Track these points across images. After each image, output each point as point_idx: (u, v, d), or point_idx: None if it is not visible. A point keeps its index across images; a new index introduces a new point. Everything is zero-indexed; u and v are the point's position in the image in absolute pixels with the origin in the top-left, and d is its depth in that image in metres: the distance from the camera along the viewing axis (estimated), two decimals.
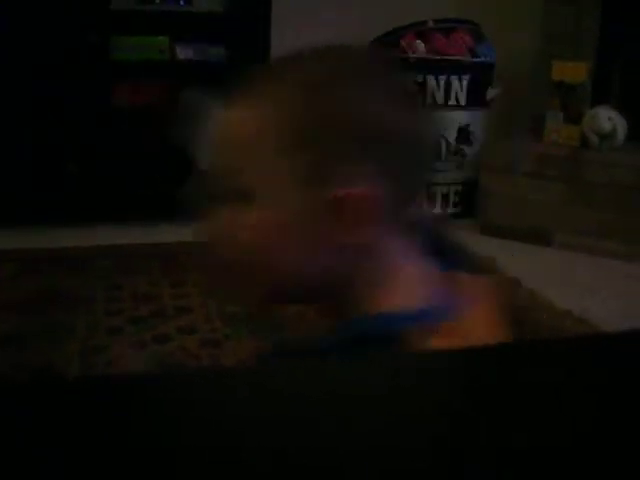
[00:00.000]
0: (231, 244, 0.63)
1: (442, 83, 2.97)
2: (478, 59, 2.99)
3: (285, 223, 0.61)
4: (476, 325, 0.63)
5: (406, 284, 0.64)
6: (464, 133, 3.04)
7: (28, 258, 2.37)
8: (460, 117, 3.02)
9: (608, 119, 2.79)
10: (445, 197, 3.08)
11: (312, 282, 0.63)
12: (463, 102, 3.00)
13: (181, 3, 2.70)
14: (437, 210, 3.07)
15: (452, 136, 3.02)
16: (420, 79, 2.96)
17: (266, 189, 0.61)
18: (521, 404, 0.32)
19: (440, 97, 2.98)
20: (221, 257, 0.64)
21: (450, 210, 3.09)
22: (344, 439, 0.29)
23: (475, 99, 3.01)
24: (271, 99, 0.62)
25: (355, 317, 0.62)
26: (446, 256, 0.69)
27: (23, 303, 2.05)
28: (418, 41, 3.00)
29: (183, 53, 2.63)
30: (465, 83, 2.98)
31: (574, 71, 2.90)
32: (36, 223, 2.62)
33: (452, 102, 2.99)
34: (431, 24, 3.07)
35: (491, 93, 3.06)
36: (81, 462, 0.27)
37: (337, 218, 0.60)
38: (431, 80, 2.96)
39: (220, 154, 0.64)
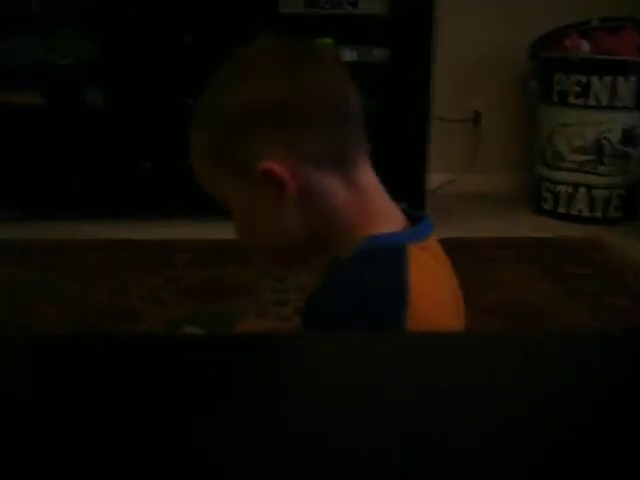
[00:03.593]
0: (238, 233, 0.80)
1: (607, 83, 2.88)
2: None
3: (248, 209, 0.77)
4: (438, 249, 0.78)
5: (381, 215, 0.76)
6: (629, 135, 2.94)
7: (198, 249, 2.52)
8: (625, 119, 2.92)
9: None
10: (607, 201, 2.98)
11: (304, 239, 0.76)
12: (629, 103, 2.90)
13: (346, 6, 2.77)
14: (597, 214, 2.99)
15: (616, 138, 2.93)
16: (584, 80, 2.89)
17: (222, 191, 0.77)
18: None
19: (605, 98, 2.89)
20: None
21: (611, 214, 3.00)
22: None
23: None
24: (194, 131, 0.78)
25: (360, 244, 0.73)
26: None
27: (196, 290, 2.18)
28: (582, 41, 2.93)
29: (348, 55, 2.69)
30: (632, 83, 2.88)
31: None
32: (202, 216, 2.77)
33: (617, 103, 2.90)
34: (596, 23, 2.99)
35: None
36: None
37: (273, 185, 0.72)
38: (595, 81, 2.88)
39: None
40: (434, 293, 0.75)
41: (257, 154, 0.73)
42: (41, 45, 2.78)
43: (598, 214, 3.00)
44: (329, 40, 2.72)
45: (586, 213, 3.01)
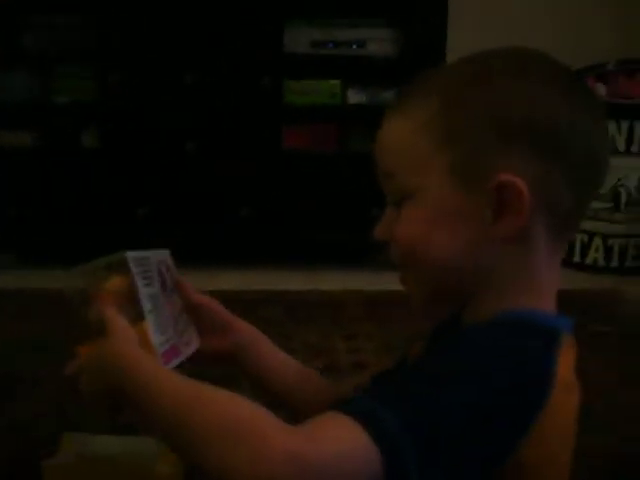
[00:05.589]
0: (396, 242, 0.65)
1: (624, 128, 2.78)
2: None
3: (442, 217, 0.62)
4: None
5: (549, 290, 0.64)
6: None
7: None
8: None
9: None
10: (623, 250, 2.86)
11: (466, 277, 0.63)
12: None
13: (354, 47, 2.67)
14: (614, 263, 2.86)
15: (633, 185, 2.82)
16: None
17: (423, 188, 0.62)
18: None
19: (621, 143, 2.78)
20: (393, 255, 0.66)
21: (629, 264, 2.87)
22: None
23: None
24: (420, 103, 0.64)
25: (502, 311, 0.61)
26: None
27: None
28: (599, 84, 2.82)
29: (356, 97, 2.58)
30: None
31: None
32: (203, 265, 2.64)
33: (635, 149, 2.79)
34: (612, 66, 2.90)
35: None
36: None
37: (494, 208, 0.60)
38: (612, 125, 2.77)
39: (380, 160, 0.66)
40: (568, 403, 0.61)
41: (504, 164, 0.60)
42: (38, 83, 2.67)
43: (614, 264, 2.87)
44: (336, 82, 2.61)
45: (601, 263, 2.88)
